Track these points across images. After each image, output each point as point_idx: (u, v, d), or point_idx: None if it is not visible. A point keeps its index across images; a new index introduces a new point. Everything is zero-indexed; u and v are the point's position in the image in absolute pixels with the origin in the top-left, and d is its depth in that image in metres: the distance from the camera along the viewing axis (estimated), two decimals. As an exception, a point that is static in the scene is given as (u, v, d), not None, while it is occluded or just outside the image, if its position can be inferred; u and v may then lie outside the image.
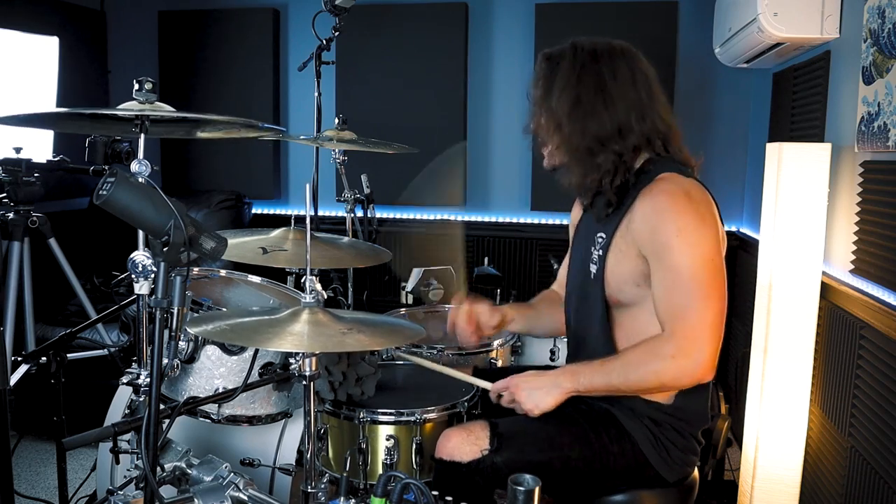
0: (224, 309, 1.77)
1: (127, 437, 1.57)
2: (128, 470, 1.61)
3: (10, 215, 2.55)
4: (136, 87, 1.36)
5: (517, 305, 1.95)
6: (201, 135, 1.65)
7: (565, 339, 2.26)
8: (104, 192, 1.18)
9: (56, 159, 2.66)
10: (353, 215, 2.67)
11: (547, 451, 1.56)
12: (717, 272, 1.48)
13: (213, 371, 1.67)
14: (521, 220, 3.74)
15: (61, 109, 1.43)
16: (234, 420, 1.70)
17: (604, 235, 1.63)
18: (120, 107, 1.36)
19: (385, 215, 3.83)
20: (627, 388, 1.52)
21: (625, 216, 1.57)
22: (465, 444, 1.56)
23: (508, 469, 1.51)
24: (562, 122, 1.57)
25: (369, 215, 2.70)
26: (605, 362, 1.54)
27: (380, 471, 1.71)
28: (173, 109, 1.38)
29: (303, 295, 1.43)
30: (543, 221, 3.71)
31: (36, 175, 2.61)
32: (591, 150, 1.57)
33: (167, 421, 1.42)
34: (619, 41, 1.62)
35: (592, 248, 1.66)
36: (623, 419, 1.60)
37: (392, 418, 1.70)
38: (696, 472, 1.68)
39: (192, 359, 1.65)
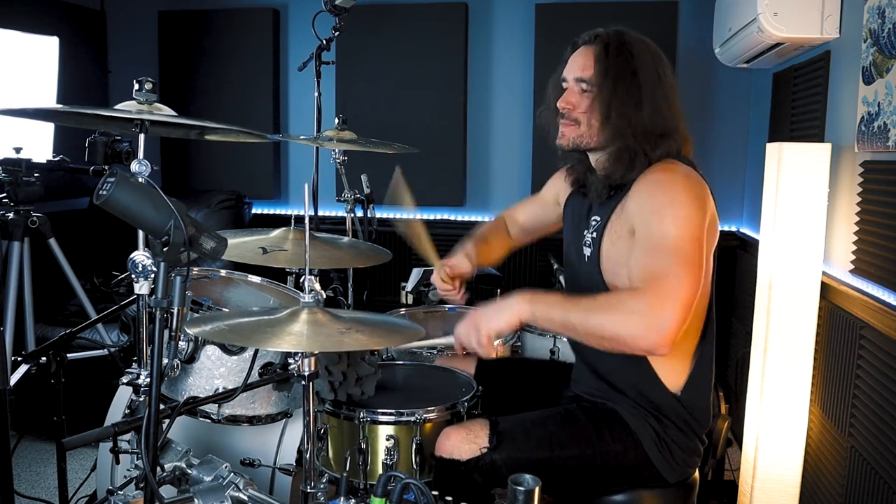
0: (224, 309, 1.77)
1: (127, 437, 1.57)
2: (128, 470, 1.61)
3: (10, 215, 2.56)
4: (136, 87, 1.36)
5: (476, 244, 1.96)
6: (202, 136, 1.64)
7: (565, 338, 2.26)
8: (104, 192, 1.18)
9: (56, 159, 2.66)
10: (353, 215, 2.67)
11: (546, 449, 1.56)
12: (700, 252, 1.46)
13: (213, 371, 1.67)
14: (521, 220, 3.73)
15: (63, 107, 1.42)
16: (234, 420, 1.70)
17: (599, 219, 1.63)
18: (119, 106, 1.36)
19: (385, 215, 3.82)
20: (583, 331, 1.45)
21: (622, 199, 1.58)
22: (465, 442, 1.56)
23: (507, 467, 1.51)
24: (631, 112, 1.55)
25: (369, 215, 2.70)
26: (569, 299, 1.49)
27: (380, 471, 1.71)
28: (173, 112, 1.38)
29: (302, 295, 1.43)
30: (543, 221, 3.71)
31: (36, 175, 2.61)
32: (649, 143, 1.56)
33: (167, 421, 1.42)
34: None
35: (586, 232, 1.66)
36: (627, 417, 1.60)
37: (392, 418, 1.70)
38: (696, 473, 1.68)
39: (192, 359, 1.65)
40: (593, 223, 1.65)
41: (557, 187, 1.92)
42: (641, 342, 1.39)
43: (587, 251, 1.65)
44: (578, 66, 1.62)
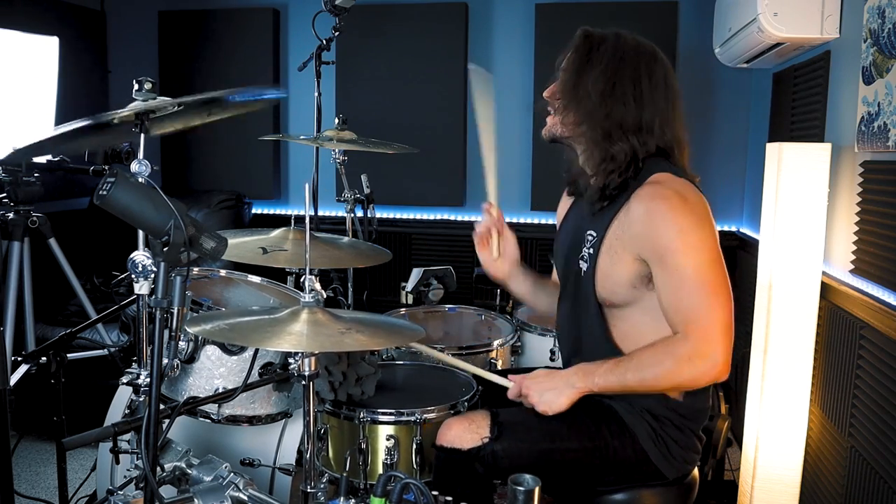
0: (224, 309, 1.77)
1: (127, 437, 1.57)
2: (128, 470, 1.61)
3: (10, 215, 2.55)
4: (136, 86, 1.36)
5: (529, 269, 1.95)
6: (211, 115, 1.60)
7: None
8: (104, 192, 1.18)
9: (56, 159, 2.66)
10: (353, 215, 2.67)
11: (547, 442, 1.56)
12: (721, 270, 1.50)
13: (213, 371, 1.67)
14: (521, 220, 3.74)
15: (63, 129, 1.37)
16: (234, 420, 1.71)
17: (594, 234, 1.62)
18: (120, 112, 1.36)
19: (385, 215, 3.83)
20: (643, 388, 1.52)
21: (616, 215, 1.57)
22: (467, 431, 1.56)
23: (508, 458, 1.52)
24: (591, 100, 1.57)
25: (369, 215, 2.70)
26: (620, 362, 1.54)
27: (380, 471, 1.71)
28: (173, 100, 1.37)
29: (302, 295, 1.43)
30: (543, 221, 3.71)
31: (36, 175, 2.61)
32: (609, 136, 1.56)
33: (167, 421, 1.42)
34: (658, 48, 1.64)
35: (583, 246, 1.65)
36: (623, 414, 1.60)
37: (392, 418, 1.70)
38: (696, 472, 1.68)
39: (192, 359, 1.65)
40: (589, 238, 1.64)
41: (562, 211, 1.91)
42: (702, 381, 1.50)
43: (583, 265, 1.64)
44: (567, 57, 1.66)
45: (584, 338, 1.68)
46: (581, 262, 1.65)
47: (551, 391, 1.56)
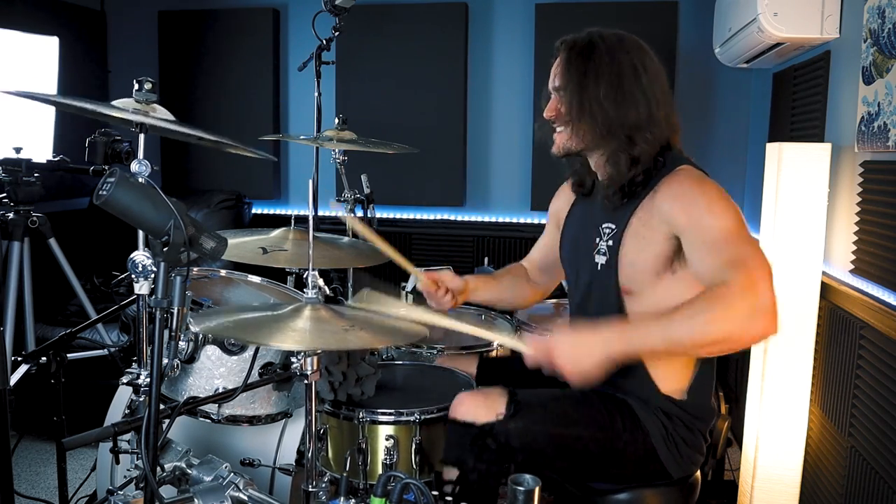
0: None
1: (127, 437, 1.57)
2: (128, 470, 1.61)
3: (10, 215, 2.56)
4: (136, 86, 1.36)
5: (480, 277, 1.95)
6: (200, 142, 1.62)
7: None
8: (104, 192, 1.18)
9: (56, 159, 2.66)
10: (353, 215, 2.66)
11: (561, 426, 1.56)
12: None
13: (213, 371, 1.67)
14: (521, 220, 3.74)
15: (64, 99, 1.39)
16: (234, 420, 1.71)
17: (613, 226, 1.62)
18: (117, 103, 1.36)
19: (385, 215, 3.83)
20: (690, 343, 1.35)
21: (641, 204, 1.57)
22: (482, 407, 1.55)
23: (520, 438, 1.52)
24: (605, 111, 1.55)
25: (369, 215, 2.70)
26: (663, 316, 1.38)
27: (379, 471, 1.71)
28: (170, 115, 1.37)
29: (304, 293, 1.43)
30: (543, 221, 3.68)
31: (36, 175, 2.61)
32: (630, 139, 1.56)
33: (167, 421, 1.42)
34: (633, 35, 1.63)
35: (598, 240, 1.65)
36: (638, 410, 1.59)
37: (392, 418, 1.70)
38: (698, 473, 1.68)
39: (192, 359, 1.65)
40: (607, 231, 1.63)
41: (557, 207, 1.91)
42: (752, 330, 1.34)
43: (601, 259, 1.64)
44: (553, 74, 1.65)
45: None
46: (598, 255, 1.65)
47: (577, 351, 1.40)
